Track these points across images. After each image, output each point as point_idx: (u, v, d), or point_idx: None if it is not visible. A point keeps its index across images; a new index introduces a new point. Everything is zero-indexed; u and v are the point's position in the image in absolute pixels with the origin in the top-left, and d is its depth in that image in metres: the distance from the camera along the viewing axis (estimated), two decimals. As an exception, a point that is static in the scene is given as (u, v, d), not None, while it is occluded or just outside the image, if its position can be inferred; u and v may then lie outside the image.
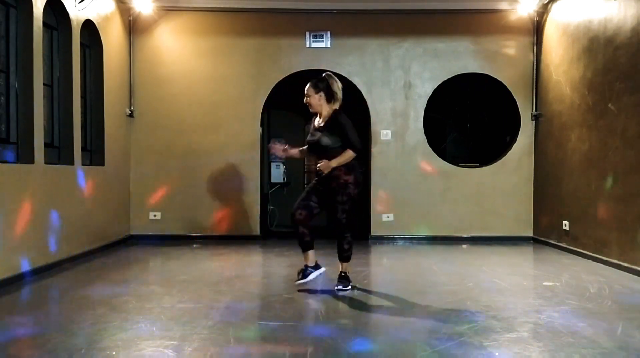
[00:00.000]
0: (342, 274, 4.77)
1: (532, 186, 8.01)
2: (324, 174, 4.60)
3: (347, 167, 4.61)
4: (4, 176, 4.86)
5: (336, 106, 4.71)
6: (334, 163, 4.57)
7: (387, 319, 3.96)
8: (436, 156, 8.12)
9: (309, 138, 4.82)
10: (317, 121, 4.78)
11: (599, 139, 6.16)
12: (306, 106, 4.76)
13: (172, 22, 7.96)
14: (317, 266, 4.78)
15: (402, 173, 8.03)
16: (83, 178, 6.37)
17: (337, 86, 4.71)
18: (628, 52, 5.60)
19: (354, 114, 8.19)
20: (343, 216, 4.62)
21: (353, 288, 4.74)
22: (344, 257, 4.76)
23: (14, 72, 5.28)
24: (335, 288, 4.68)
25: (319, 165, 4.64)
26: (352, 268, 5.85)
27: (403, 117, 8.05)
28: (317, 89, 4.68)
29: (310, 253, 4.75)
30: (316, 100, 4.69)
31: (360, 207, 8.70)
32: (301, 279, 4.71)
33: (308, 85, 4.73)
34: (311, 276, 4.72)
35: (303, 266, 4.77)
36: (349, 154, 4.59)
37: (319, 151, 4.70)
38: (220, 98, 7.99)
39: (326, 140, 4.63)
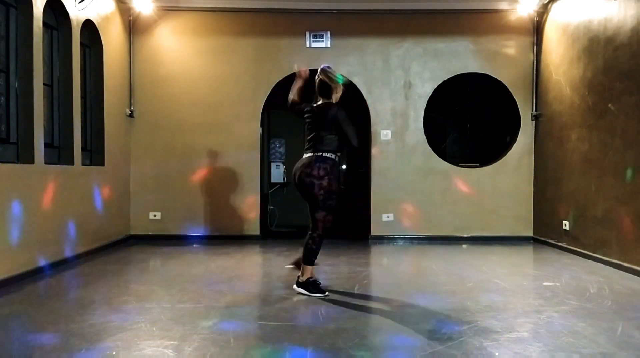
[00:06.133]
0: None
1: (532, 186, 8.01)
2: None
3: None
4: (4, 176, 4.86)
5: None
6: None
7: (387, 319, 3.96)
8: (436, 156, 8.13)
9: None
10: None
11: (599, 139, 6.16)
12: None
13: (172, 22, 7.96)
14: None
15: (402, 173, 8.03)
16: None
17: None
18: (628, 52, 5.60)
19: (354, 114, 8.25)
20: None
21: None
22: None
23: (14, 72, 5.28)
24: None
25: None
26: (353, 268, 5.89)
27: (403, 117, 8.05)
28: None
29: None
30: None
31: (360, 207, 8.74)
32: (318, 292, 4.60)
33: None
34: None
35: (314, 278, 4.63)
36: None
37: None
38: (220, 98, 8.00)
39: None
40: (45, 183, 5.54)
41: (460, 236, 8.00)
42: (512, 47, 7.99)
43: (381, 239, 7.98)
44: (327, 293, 4.54)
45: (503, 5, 7.79)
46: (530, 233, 8.00)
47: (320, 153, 4.55)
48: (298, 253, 4.84)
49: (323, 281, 4.85)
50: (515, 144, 8.07)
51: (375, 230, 8.04)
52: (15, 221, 5.00)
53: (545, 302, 4.33)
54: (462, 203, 8.01)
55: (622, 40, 5.71)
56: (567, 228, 6.89)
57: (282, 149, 10.51)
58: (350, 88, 7.95)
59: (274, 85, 7.99)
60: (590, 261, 6.15)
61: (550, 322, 3.75)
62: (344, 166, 10.45)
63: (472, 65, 8.02)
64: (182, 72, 7.99)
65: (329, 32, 8.00)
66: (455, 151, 9.65)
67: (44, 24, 5.61)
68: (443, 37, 8.02)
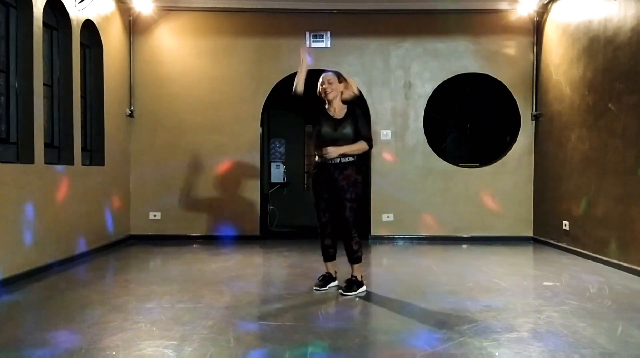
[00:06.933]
0: (353, 278, 4.66)
1: (532, 186, 8.01)
2: (328, 161, 4.53)
3: (358, 165, 4.61)
4: (4, 176, 4.86)
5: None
6: (344, 149, 4.52)
7: (387, 319, 3.96)
8: (436, 156, 8.13)
9: (325, 128, 4.61)
10: (332, 112, 4.65)
11: (599, 139, 6.16)
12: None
13: (172, 22, 7.96)
14: (334, 278, 4.85)
15: (402, 173, 8.03)
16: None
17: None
18: (628, 52, 5.60)
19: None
20: (350, 214, 4.54)
21: (363, 292, 4.63)
22: (354, 258, 4.63)
23: (14, 72, 5.28)
24: (340, 291, 4.62)
25: (328, 149, 4.50)
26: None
27: (403, 117, 8.05)
28: (339, 79, 4.66)
29: (333, 263, 4.85)
30: (337, 89, 4.62)
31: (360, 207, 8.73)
32: (321, 287, 4.74)
33: (329, 74, 4.67)
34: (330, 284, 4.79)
35: (325, 273, 4.82)
36: (361, 146, 4.57)
37: (333, 142, 4.56)
38: (220, 98, 8.00)
39: (349, 131, 4.57)
40: (45, 183, 5.54)
41: (460, 236, 8.00)
42: (512, 47, 7.99)
43: (381, 239, 7.98)
44: (316, 288, 4.74)
45: (503, 5, 7.79)
46: (530, 233, 8.00)
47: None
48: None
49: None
50: (515, 144, 8.07)
51: (375, 230, 8.04)
52: (15, 221, 4.99)
53: (545, 302, 4.33)
54: (462, 203, 8.01)
55: (622, 40, 5.71)
56: (567, 228, 6.89)
57: (282, 149, 10.51)
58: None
59: (274, 85, 7.99)
60: (590, 261, 6.14)
61: (550, 322, 3.75)
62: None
63: (472, 65, 8.02)
64: (182, 72, 7.99)
65: (329, 32, 8.00)
66: (455, 151, 9.65)
67: (44, 24, 5.61)
68: (443, 37, 8.02)
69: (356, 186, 4.55)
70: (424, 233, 8.02)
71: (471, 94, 9.41)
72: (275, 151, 10.45)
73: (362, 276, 4.70)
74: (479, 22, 7.96)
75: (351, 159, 4.57)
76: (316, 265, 5.96)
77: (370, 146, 4.63)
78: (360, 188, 4.61)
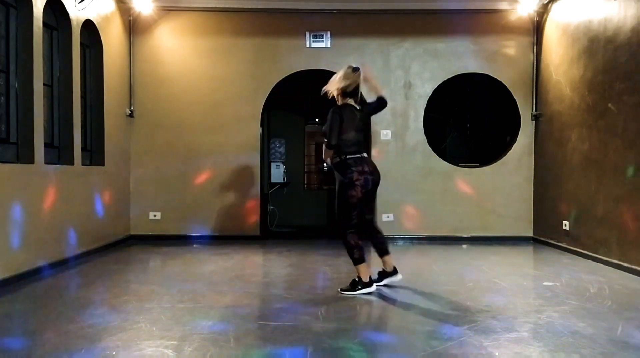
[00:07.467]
0: (356, 279, 4.65)
1: (532, 186, 8.01)
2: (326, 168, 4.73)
3: (336, 168, 4.61)
4: (4, 176, 4.86)
5: (342, 101, 4.61)
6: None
7: (387, 319, 3.96)
8: (436, 156, 8.12)
9: None
10: None
11: (599, 139, 6.16)
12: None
13: (172, 22, 7.96)
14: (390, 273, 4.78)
15: (402, 173, 8.03)
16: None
17: (337, 81, 4.58)
18: (628, 52, 5.60)
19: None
20: (340, 217, 4.62)
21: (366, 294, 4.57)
22: (352, 260, 4.67)
23: (14, 72, 5.28)
24: (339, 289, 4.66)
25: None
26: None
27: (403, 117, 8.05)
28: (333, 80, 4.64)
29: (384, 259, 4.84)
30: (331, 91, 4.62)
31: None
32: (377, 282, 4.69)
33: None
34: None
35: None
36: (323, 149, 4.66)
37: None
38: (220, 98, 8.00)
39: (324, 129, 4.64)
40: (45, 183, 5.54)
41: (460, 236, 8.00)
42: (512, 47, 7.99)
43: (381, 239, 7.96)
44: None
45: (503, 5, 7.79)
46: (530, 233, 7.99)
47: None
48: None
49: (324, 282, 4.87)
50: (515, 144, 8.07)
51: (375, 230, 8.03)
52: (15, 221, 4.99)
53: (545, 302, 4.33)
54: (462, 203, 8.01)
55: (622, 40, 5.70)
56: (567, 228, 6.89)
57: (282, 149, 10.51)
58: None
59: (274, 85, 7.99)
60: (590, 261, 6.14)
61: (550, 322, 3.75)
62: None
63: (472, 65, 8.02)
64: (182, 72, 7.99)
65: (329, 32, 8.00)
66: (455, 151, 9.65)
67: (44, 24, 5.61)
68: (443, 37, 8.02)
69: (339, 189, 4.60)
70: (424, 233, 8.02)
71: (471, 94, 9.41)
72: (275, 151, 10.45)
73: (369, 278, 4.64)
74: (479, 22, 7.97)
75: (336, 160, 4.61)
76: (316, 265, 5.97)
77: (327, 145, 4.56)
78: (344, 192, 4.52)
